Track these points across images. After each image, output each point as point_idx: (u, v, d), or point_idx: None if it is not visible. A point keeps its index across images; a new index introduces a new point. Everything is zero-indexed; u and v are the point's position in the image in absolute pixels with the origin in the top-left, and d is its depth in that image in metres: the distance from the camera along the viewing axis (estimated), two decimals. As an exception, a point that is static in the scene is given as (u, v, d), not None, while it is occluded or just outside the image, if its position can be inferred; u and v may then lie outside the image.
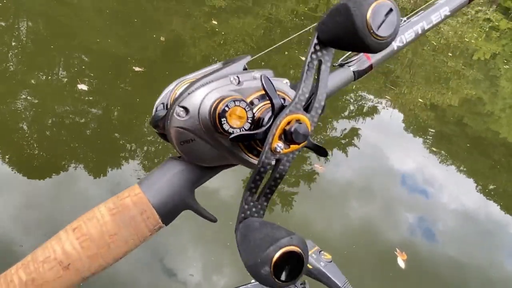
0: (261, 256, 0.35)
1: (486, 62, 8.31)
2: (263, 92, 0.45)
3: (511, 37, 11.36)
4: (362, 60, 0.60)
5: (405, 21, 0.62)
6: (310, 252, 0.56)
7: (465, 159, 4.12)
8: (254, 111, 0.44)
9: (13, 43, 3.44)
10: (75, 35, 3.80)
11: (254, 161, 0.46)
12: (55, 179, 2.19)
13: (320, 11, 7.19)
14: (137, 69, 3.37)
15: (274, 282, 0.35)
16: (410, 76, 5.88)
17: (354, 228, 2.54)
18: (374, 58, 0.61)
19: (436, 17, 0.63)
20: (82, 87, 2.94)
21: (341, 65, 0.60)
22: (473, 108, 5.63)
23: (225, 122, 0.42)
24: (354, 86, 4.55)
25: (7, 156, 2.26)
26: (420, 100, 5.04)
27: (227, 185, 2.44)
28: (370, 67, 0.60)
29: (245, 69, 0.48)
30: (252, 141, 0.45)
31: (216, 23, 5.13)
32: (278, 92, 0.44)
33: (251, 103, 0.45)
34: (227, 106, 0.41)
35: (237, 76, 0.45)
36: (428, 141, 4.20)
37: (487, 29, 10.85)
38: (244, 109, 0.42)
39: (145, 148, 2.68)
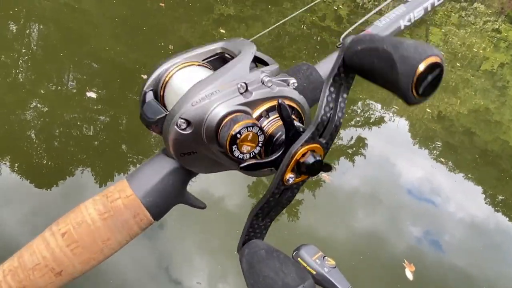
0: None
1: (494, 72, 8.27)
2: (273, 103, 0.43)
3: (519, 47, 11.30)
4: None
5: None
6: (313, 258, 0.56)
7: (473, 169, 4.09)
8: (264, 125, 0.42)
9: (23, 50, 3.48)
10: (85, 42, 3.83)
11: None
12: (62, 187, 2.20)
13: (327, 20, 7.20)
14: (145, 77, 3.37)
15: None
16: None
17: (362, 239, 2.52)
18: None
19: None
20: (91, 94, 2.96)
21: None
22: (481, 118, 5.59)
23: (236, 149, 0.40)
24: (361, 95, 4.54)
25: (16, 164, 2.27)
26: (428, 110, 5.02)
27: (227, 184, 2.43)
28: None
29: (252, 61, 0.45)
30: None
31: (224, 31, 5.16)
32: (287, 102, 0.42)
33: (261, 115, 0.43)
34: (239, 133, 0.39)
35: (245, 83, 0.42)
36: (435, 151, 4.17)
37: (495, 40, 10.81)
38: (256, 133, 0.40)
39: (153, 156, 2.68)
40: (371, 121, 4.27)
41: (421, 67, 0.31)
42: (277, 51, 5.13)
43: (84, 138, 2.63)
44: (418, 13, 0.58)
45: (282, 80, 0.45)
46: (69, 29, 4.03)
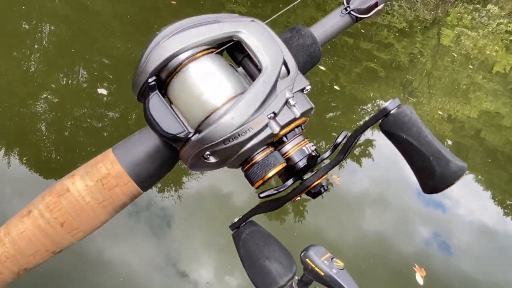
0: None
1: (506, 74, 8.18)
2: (295, 125, 0.42)
3: (532, 50, 11.16)
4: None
5: None
6: (322, 259, 0.58)
7: (485, 172, 4.05)
8: (286, 151, 0.43)
9: (36, 46, 3.50)
10: (96, 40, 3.85)
11: None
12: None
13: None
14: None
15: None
16: (428, 87, 5.81)
17: (371, 241, 2.51)
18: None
19: None
20: (102, 91, 2.98)
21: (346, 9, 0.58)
22: (492, 121, 5.53)
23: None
24: (372, 94, 4.51)
25: (24, 158, 2.29)
26: (440, 112, 4.98)
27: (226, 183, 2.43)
28: (376, 4, 0.59)
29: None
30: None
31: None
32: (303, 119, 0.43)
33: (281, 139, 0.43)
34: (270, 178, 0.41)
35: (274, 113, 0.39)
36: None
37: (508, 42, 10.69)
38: (281, 169, 0.42)
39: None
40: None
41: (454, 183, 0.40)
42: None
43: (94, 133, 2.64)
44: None
45: (300, 90, 0.43)
46: (80, 27, 4.05)
